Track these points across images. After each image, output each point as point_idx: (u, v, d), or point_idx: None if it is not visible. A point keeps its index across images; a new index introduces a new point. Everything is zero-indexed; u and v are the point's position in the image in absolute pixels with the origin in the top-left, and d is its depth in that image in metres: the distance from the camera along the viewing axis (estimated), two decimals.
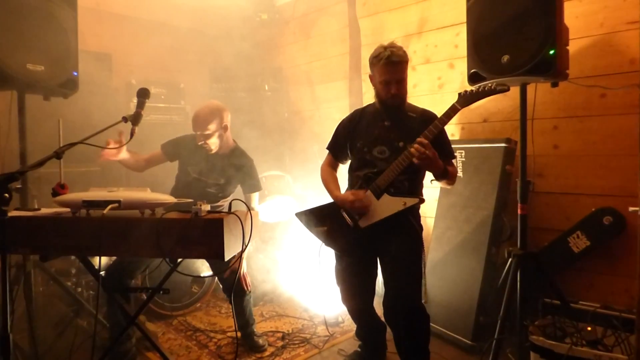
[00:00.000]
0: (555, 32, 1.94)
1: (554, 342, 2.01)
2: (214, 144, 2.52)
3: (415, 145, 1.93)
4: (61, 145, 1.65)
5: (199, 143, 2.50)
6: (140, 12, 4.06)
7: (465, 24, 2.32)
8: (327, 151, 2.44)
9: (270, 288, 3.47)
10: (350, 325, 3.00)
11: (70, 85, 2.35)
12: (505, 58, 2.07)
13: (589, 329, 2.12)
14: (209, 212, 1.74)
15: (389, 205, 2.10)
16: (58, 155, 1.56)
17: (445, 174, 2.07)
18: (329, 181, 2.34)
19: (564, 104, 2.62)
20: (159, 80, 3.83)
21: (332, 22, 4.12)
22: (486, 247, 2.63)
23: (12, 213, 1.71)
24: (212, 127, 2.47)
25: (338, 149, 2.38)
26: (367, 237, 2.18)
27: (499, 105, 2.92)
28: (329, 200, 2.28)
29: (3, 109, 2.57)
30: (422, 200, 2.16)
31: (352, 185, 2.28)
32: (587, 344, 2.02)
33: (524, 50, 2.01)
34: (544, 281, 2.30)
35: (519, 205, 2.25)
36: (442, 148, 2.11)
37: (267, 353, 2.66)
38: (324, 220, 2.25)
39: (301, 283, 3.45)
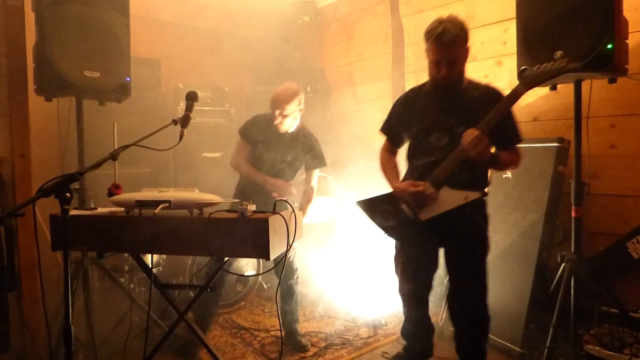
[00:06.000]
0: (614, 25, 1.84)
1: (611, 353, 1.91)
2: (288, 124, 2.58)
3: (467, 142, 1.82)
4: (116, 147, 1.73)
5: (275, 122, 2.55)
6: (187, 19, 4.20)
7: (514, 20, 2.24)
8: (382, 135, 2.31)
9: (313, 289, 3.49)
10: (393, 328, 2.96)
11: (123, 90, 2.46)
12: (559, 54, 1.98)
13: None
14: (254, 212, 1.78)
15: (449, 199, 1.93)
16: (114, 156, 1.64)
17: (493, 163, 1.93)
18: (388, 170, 2.22)
19: (623, 101, 2.47)
20: (204, 84, 3.94)
21: (374, 22, 4.10)
22: (537, 252, 2.52)
23: (73, 212, 1.81)
24: (291, 107, 2.54)
25: (393, 132, 2.26)
26: (428, 229, 2.04)
27: (550, 103, 2.80)
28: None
29: (63, 115, 2.74)
30: (485, 194, 2.00)
31: (410, 175, 2.15)
32: None
33: (578, 45, 1.92)
34: (599, 288, 2.19)
35: (572, 207, 2.16)
36: (507, 132, 1.95)
37: (310, 353, 2.68)
38: (385, 210, 2.14)
39: (344, 284, 3.45)
